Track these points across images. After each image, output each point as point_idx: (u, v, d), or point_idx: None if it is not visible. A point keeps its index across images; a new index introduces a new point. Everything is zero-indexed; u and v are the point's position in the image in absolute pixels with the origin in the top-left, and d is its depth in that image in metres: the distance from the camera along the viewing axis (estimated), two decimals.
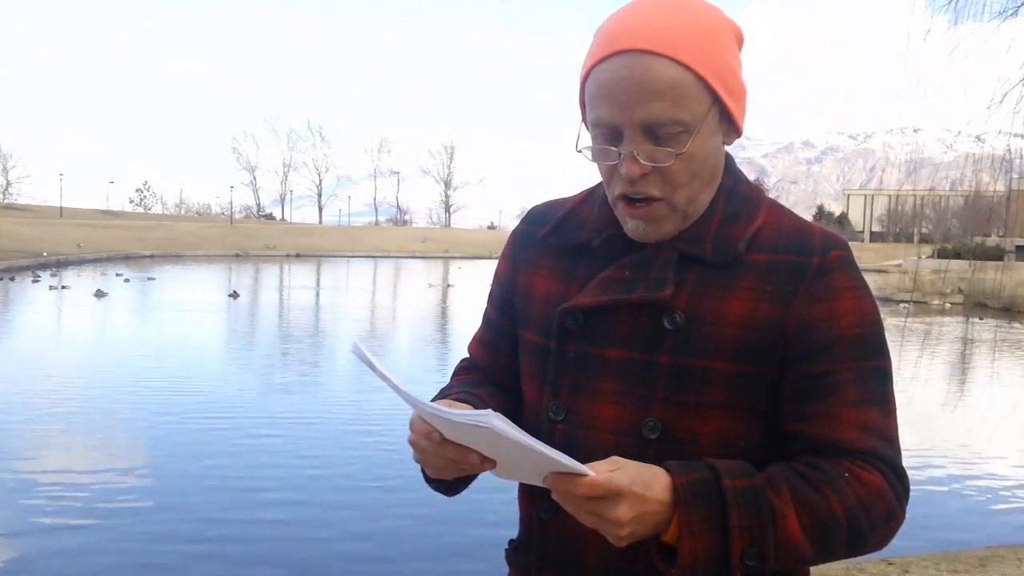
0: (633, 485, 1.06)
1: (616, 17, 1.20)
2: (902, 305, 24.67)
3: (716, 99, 1.18)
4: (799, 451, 1.17)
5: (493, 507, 5.74)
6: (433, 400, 1.28)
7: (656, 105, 1.14)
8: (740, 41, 1.24)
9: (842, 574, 4.89)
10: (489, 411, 1.03)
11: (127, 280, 31.80)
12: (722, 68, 1.18)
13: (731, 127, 1.23)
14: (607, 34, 1.18)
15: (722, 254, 1.22)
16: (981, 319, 26.28)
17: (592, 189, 1.36)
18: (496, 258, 1.53)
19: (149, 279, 32.32)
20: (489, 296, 1.46)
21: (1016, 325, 25.11)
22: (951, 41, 7.00)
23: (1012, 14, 6.87)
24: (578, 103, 1.25)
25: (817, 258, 1.20)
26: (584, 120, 1.24)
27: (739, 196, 1.27)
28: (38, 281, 30.36)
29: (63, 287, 27.88)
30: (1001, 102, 6.86)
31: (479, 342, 1.47)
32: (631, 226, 1.23)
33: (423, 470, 1.28)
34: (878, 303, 1.26)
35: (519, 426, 1.05)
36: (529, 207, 1.46)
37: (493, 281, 1.45)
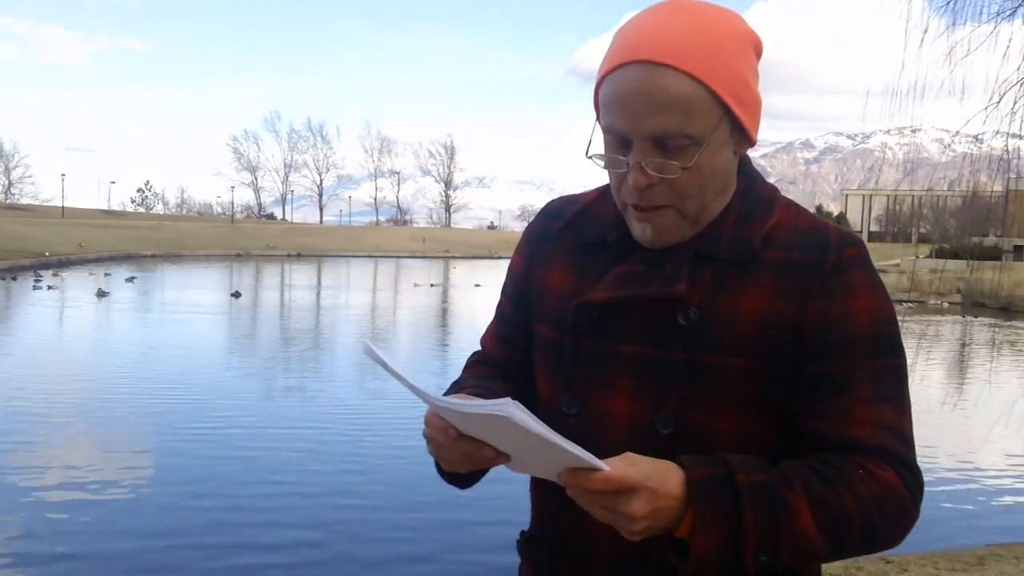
0: (647, 480, 1.06)
1: (633, 24, 1.20)
2: (906, 305, 24.67)
3: (728, 112, 1.17)
4: (813, 448, 1.17)
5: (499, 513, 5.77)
6: (446, 393, 1.29)
7: (665, 118, 1.14)
8: (758, 51, 1.23)
9: (841, 572, 4.91)
10: (507, 399, 1.02)
11: (130, 279, 31.71)
12: (735, 81, 1.17)
13: (744, 138, 1.23)
14: (622, 42, 1.18)
15: (737, 251, 1.22)
16: (977, 317, 26.29)
17: (608, 185, 1.35)
18: (496, 258, 1.54)
19: (130, 279, 32.09)
20: (503, 290, 1.46)
21: (1015, 324, 25.12)
22: (949, 42, 7.02)
23: (1010, 15, 6.90)
24: (593, 106, 1.25)
25: (833, 256, 1.20)
26: (599, 122, 1.24)
27: (754, 194, 1.28)
28: (40, 280, 30.33)
29: (49, 287, 27.72)
30: (999, 103, 6.88)
31: (492, 336, 1.47)
32: (638, 232, 1.24)
33: (437, 463, 1.29)
34: None
35: None
36: (530, 206, 1.47)
37: (507, 275, 1.45)
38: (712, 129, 1.17)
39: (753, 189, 1.29)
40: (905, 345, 1.25)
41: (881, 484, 1.13)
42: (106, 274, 34.16)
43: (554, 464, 1.09)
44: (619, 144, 1.20)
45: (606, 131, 1.21)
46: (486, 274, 39.04)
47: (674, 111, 1.14)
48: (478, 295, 29.10)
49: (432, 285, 34.44)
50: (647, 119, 1.15)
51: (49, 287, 27.70)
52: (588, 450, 1.07)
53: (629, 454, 1.10)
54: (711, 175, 1.20)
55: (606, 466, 1.06)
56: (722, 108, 1.17)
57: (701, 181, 1.19)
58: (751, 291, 1.20)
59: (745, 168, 1.30)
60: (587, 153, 1.23)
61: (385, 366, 1.13)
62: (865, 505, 1.12)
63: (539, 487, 1.35)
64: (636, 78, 1.15)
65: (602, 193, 1.37)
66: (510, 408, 1.02)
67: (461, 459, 1.19)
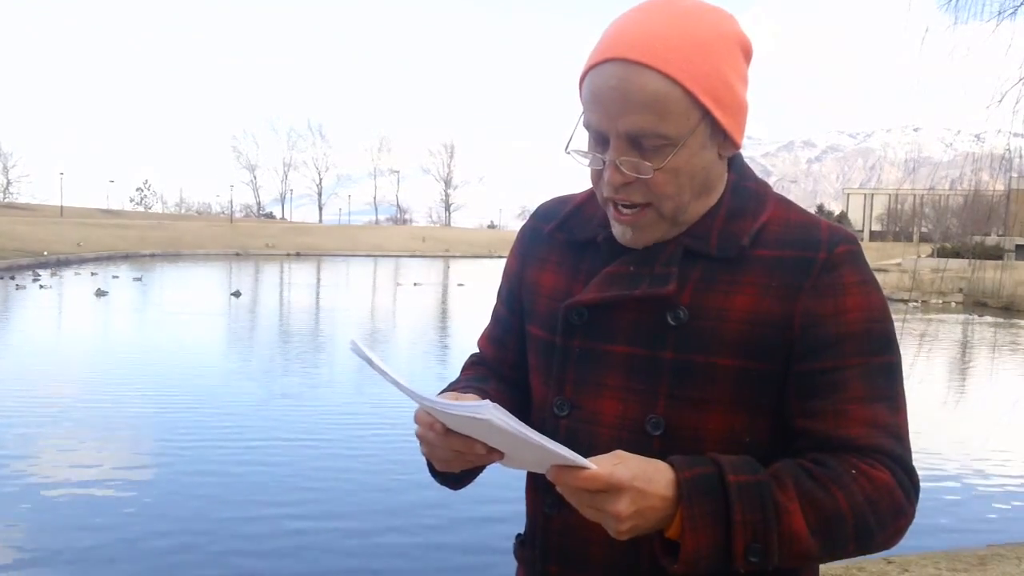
0: (634, 480, 1.06)
1: (618, 23, 1.20)
2: (911, 304, 24.67)
3: (707, 114, 1.16)
4: (805, 448, 1.16)
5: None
6: (440, 393, 1.29)
7: (640, 117, 1.14)
8: (747, 54, 1.22)
9: (842, 572, 4.90)
10: (486, 402, 1.03)
11: (138, 279, 31.71)
12: (716, 83, 1.16)
13: (727, 140, 1.22)
14: (606, 39, 1.18)
15: (727, 249, 1.21)
16: (981, 316, 26.32)
17: None
18: (495, 257, 1.53)
19: (135, 279, 32.12)
20: (498, 292, 1.47)
21: (1017, 322, 25.14)
22: (951, 41, 7.02)
23: (1011, 14, 6.89)
24: (580, 100, 1.25)
25: (824, 253, 1.19)
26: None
27: (745, 192, 1.27)
28: (38, 280, 30.33)
29: (41, 286, 27.65)
30: (1000, 101, 6.89)
31: (488, 337, 1.48)
32: (618, 231, 1.24)
33: (429, 464, 1.28)
34: None
35: (526, 421, 1.05)
36: (530, 206, 1.46)
37: (502, 277, 1.46)
38: (689, 130, 1.16)
39: (744, 185, 1.28)
40: (907, 344, 1.23)
41: (875, 484, 1.12)
42: (92, 273, 34.11)
43: (543, 461, 1.10)
44: (598, 141, 1.20)
45: (586, 127, 1.21)
46: (474, 274, 39.08)
47: (649, 111, 1.14)
48: (458, 295, 29.32)
49: (415, 284, 34.50)
50: (622, 117, 1.15)
51: (41, 286, 27.61)
52: (579, 451, 1.07)
53: (619, 452, 1.09)
54: (688, 176, 1.19)
55: (593, 465, 1.06)
56: (701, 110, 1.16)
57: (677, 182, 1.18)
58: (741, 289, 1.19)
59: (736, 164, 1.29)
60: (567, 148, 1.23)
61: (371, 363, 1.13)
62: (859, 505, 1.11)
63: (532, 489, 1.35)
64: (613, 76, 1.15)
65: (593, 193, 1.36)
66: (489, 411, 1.02)
67: (452, 457, 1.19)
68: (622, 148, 1.16)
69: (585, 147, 1.22)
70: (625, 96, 1.14)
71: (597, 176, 1.22)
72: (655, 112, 1.14)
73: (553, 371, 1.28)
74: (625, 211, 1.21)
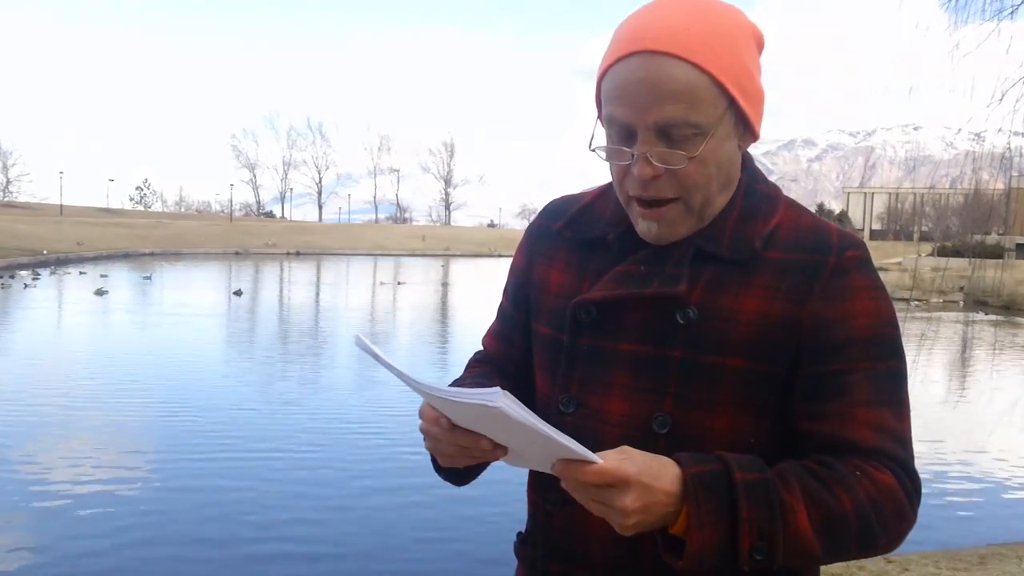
0: (641, 475, 1.06)
1: (635, 17, 1.20)
2: (914, 303, 24.65)
3: (732, 103, 1.18)
4: (811, 449, 1.17)
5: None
6: None
7: (670, 107, 1.14)
8: (760, 44, 1.24)
9: (842, 572, 4.89)
10: (496, 389, 1.02)
11: (147, 277, 31.66)
12: (739, 71, 1.17)
13: (747, 130, 1.23)
14: (625, 34, 1.18)
15: (738, 251, 1.22)
16: (987, 314, 26.30)
17: (609, 184, 1.35)
18: (496, 256, 1.52)
19: (144, 277, 32.09)
20: (504, 289, 1.47)
21: (1017, 320, 25.12)
22: (951, 40, 7.03)
23: (1011, 13, 6.90)
24: (594, 101, 1.25)
25: (834, 257, 1.20)
26: (600, 118, 1.23)
27: (757, 194, 1.27)
28: (38, 278, 30.30)
29: (26, 285, 27.53)
30: (1001, 100, 6.90)
31: (493, 335, 1.48)
32: (643, 227, 1.24)
33: (433, 459, 1.28)
34: None
35: None
36: (530, 205, 1.46)
37: (509, 275, 1.46)
38: (718, 119, 1.17)
39: (756, 187, 1.28)
40: (908, 343, 1.23)
41: (879, 487, 1.12)
42: (81, 272, 34.02)
43: (548, 456, 1.09)
44: (623, 136, 1.19)
45: (609, 124, 1.20)
46: (467, 273, 38.89)
47: (679, 100, 1.14)
48: (441, 293, 29.28)
49: (399, 283, 34.33)
50: (652, 108, 1.15)
51: (26, 286, 27.42)
52: None
53: (625, 448, 1.09)
54: (716, 167, 1.20)
55: (599, 459, 1.05)
56: (727, 99, 1.17)
57: (707, 172, 1.19)
58: (751, 291, 1.20)
59: (748, 166, 1.29)
60: (590, 146, 1.23)
61: (376, 357, 1.13)
62: (862, 507, 1.11)
63: (534, 487, 1.34)
64: (641, 68, 1.15)
65: (602, 192, 1.37)
66: (500, 399, 1.01)
67: (457, 452, 1.19)
68: (651, 140, 1.16)
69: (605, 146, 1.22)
70: (655, 87, 1.14)
71: (623, 173, 1.22)
72: (686, 101, 1.14)
73: (560, 368, 1.28)
74: (652, 206, 1.20)
